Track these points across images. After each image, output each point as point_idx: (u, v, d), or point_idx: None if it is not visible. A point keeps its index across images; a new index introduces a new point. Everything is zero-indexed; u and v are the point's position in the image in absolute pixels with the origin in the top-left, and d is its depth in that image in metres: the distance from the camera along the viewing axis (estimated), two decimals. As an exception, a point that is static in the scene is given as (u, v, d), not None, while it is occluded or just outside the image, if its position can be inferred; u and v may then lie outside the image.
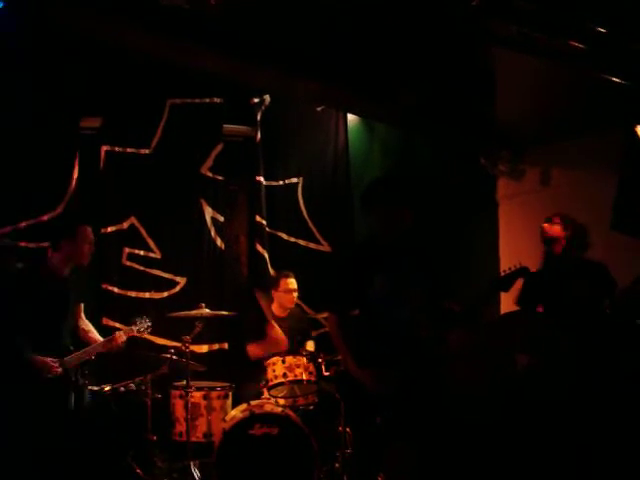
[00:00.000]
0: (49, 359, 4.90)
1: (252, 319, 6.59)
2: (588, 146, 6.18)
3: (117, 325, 6.66)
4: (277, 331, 6.35)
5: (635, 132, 5.14)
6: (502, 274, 4.41)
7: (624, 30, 4.51)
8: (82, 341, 5.33)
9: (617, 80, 4.89)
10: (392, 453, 4.24)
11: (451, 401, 4.84)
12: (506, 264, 4.50)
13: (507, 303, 6.72)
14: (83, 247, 5.11)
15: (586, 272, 5.11)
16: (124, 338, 5.35)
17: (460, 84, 5.79)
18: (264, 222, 7.32)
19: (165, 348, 6.33)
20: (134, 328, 5.51)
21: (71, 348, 5.11)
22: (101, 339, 5.37)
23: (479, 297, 4.31)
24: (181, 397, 5.95)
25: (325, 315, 6.56)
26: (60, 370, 4.94)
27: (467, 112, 6.38)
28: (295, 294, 6.62)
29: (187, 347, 5.82)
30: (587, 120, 5.95)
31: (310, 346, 6.60)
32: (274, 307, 6.63)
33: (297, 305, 6.82)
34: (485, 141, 7.03)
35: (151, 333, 6.68)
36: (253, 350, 6.40)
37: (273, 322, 6.39)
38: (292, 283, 6.60)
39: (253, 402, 5.76)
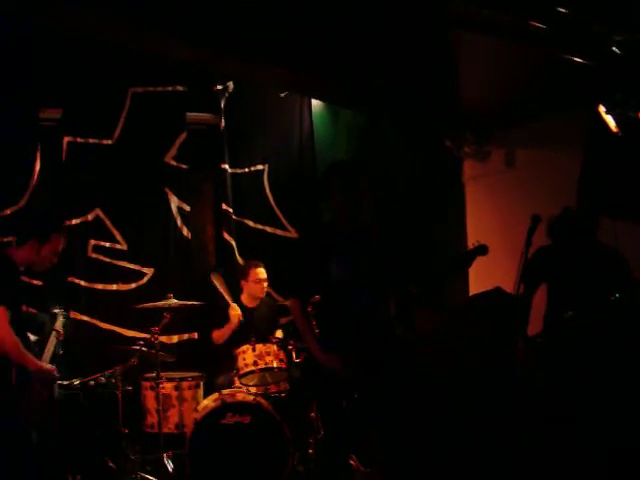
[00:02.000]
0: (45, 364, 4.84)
1: (215, 306, 6.57)
2: (552, 127, 6.21)
3: (85, 318, 6.61)
4: (234, 307, 6.34)
5: (598, 112, 5.16)
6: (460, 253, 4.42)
7: (585, 9, 4.52)
8: None
9: (579, 60, 4.91)
10: (361, 435, 4.27)
11: (421, 382, 4.86)
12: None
13: (475, 283, 6.79)
14: (51, 257, 4.97)
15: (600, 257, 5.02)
16: (62, 331, 5.39)
17: (423, 67, 5.78)
18: (230, 210, 7.28)
19: (134, 340, 6.28)
20: (61, 319, 5.53)
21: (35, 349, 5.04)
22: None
23: (438, 277, 4.32)
24: (152, 388, 5.91)
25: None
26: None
27: (431, 95, 6.38)
28: (265, 284, 6.59)
29: (156, 338, 5.78)
30: (551, 101, 5.98)
31: (279, 334, 6.59)
32: (243, 297, 6.60)
33: (267, 293, 6.79)
34: (450, 123, 7.04)
35: (120, 325, 6.71)
36: (217, 336, 6.38)
37: (232, 303, 6.36)
38: (262, 273, 6.56)
39: (224, 391, 5.76)
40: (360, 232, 4.18)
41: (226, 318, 6.35)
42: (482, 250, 4.27)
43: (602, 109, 5.12)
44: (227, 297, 6.42)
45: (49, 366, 4.81)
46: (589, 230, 4.94)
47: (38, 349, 4.99)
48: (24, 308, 5.75)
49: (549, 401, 4.71)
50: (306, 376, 4.88)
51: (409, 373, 4.23)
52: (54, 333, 5.27)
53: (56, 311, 5.61)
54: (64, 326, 5.50)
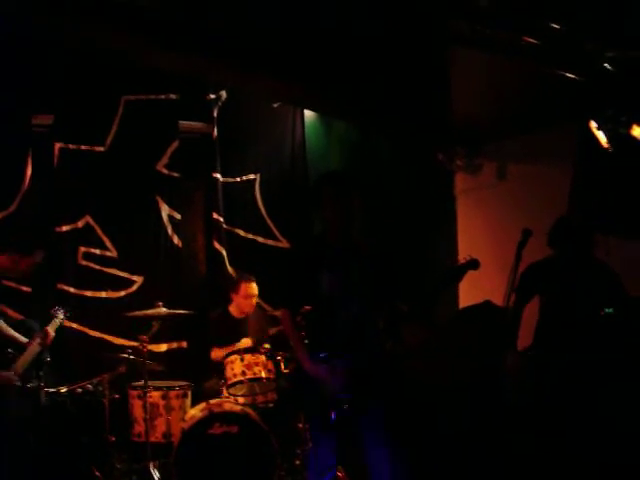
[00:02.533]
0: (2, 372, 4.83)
1: (214, 321, 6.55)
2: (543, 141, 6.23)
3: (74, 325, 6.58)
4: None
5: (589, 127, 5.18)
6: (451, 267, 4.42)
7: (577, 25, 4.54)
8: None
9: (571, 76, 4.93)
10: (349, 446, 4.26)
11: (409, 396, 4.86)
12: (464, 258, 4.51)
13: (465, 296, 6.79)
14: (28, 270, 4.98)
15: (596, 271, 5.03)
16: (53, 333, 5.37)
17: (415, 80, 5.80)
18: (221, 219, 7.28)
19: (123, 348, 6.26)
20: (57, 321, 5.49)
21: (10, 351, 5.03)
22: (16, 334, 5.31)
23: (430, 292, 4.33)
24: (139, 397, 5.88)
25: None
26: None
27: (423, 108, 6.39)
28: (255, 299, 6.57)
29: (144, 347, 5.76)
30: (542, 115, 6.00)
31: (267, 345, 6.57)
32: (232, 308, 6.58)
33: (257, 304, 6.77)
34: (442, 137, 7.06)
35: (109, 333, 6.68)
36: (215, 354, 6.35)
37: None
38: (253, 288, 6.53)
39: (212, 401, 5.73)
40: (350, 244, 4.18)
41: (225, 335, 6.33)
42: (473, 264, 4.29)
43: (593, 125, 5.14)
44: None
45: (4, 373, 4.81)
46: (588, 240, 4.96)
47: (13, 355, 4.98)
48: (11, 314, 5.77)
49: (539, 414, 4.72)
50: (294, 386, 4.87)
51: (397, 386, 4.24)
52: (38, 339, 5.24)
53: (57, 311, 5.57)
54: (58, 329, 5.48)
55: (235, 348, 6.15)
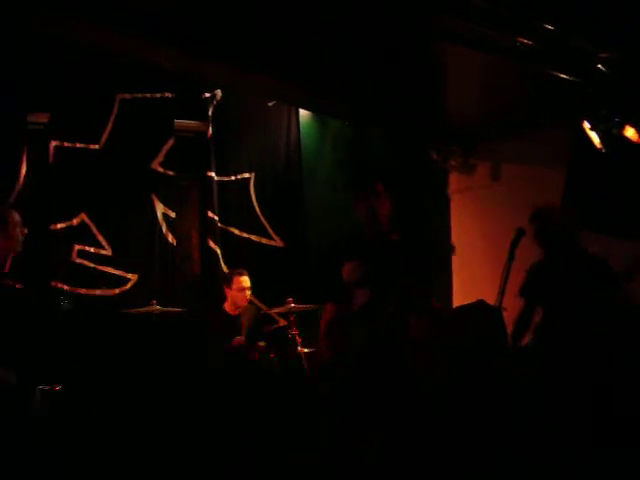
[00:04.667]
0: None
1: (212, 321, 6.59)
2: (537, 141, 6.27)
3: (67, 323, 6.59)
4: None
5: (582, 127, 5.21)
6: None
7: (572, 27, 4.57)
8: None
9: (565, 77, 4.96)
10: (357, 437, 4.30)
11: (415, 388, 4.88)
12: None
13: (459, 295, 6.81)
14: (15, 232, 4.98)
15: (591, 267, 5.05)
16: None
17: (410, 79, 5.82)
18: (216, 218, 7.28)
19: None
20: None
21: None
22: None
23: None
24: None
25: (278, 310, 6.60)
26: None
27: (418, 107, 6.42)
28: (248, 292, 6.60)
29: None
30: (536, 116, 6.04)
31: (261, 344, 6.59)
32: (226, 305, 6.61)
33: (250, 302, 6.79)
34: (436, 136, 7.09)
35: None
36: None
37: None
38: (245, 281, 6.57)
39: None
40: (383, 239, 4.27)
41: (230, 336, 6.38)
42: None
43: (586, 125, 5.17)
44: None
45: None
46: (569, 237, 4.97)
47: None
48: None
49: (538, 411, 4.73)
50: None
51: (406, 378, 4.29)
52: None
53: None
54: None
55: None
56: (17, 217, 5.05)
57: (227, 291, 6.60)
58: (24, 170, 6.58)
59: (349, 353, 4.14)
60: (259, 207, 7.52)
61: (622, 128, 5.08)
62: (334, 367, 4.16)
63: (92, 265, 6.83)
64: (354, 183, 4.38)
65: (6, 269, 4.97)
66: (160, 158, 7.07)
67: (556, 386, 4.71)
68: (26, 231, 5.01)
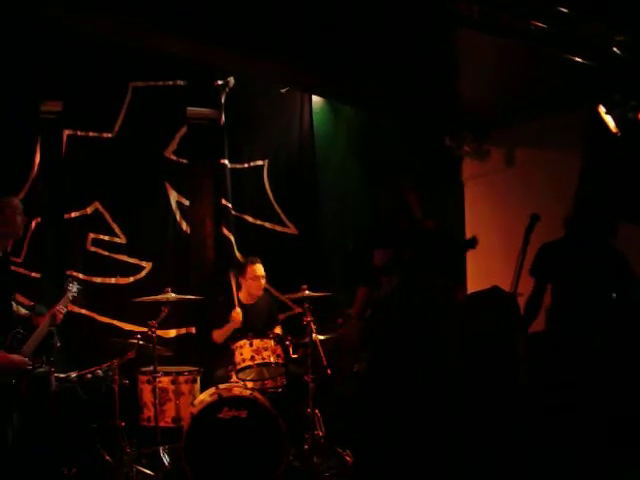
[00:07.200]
0: (15, 356, 4.84)
1: (219, 305, 6.58)
2: (552, 126, 6.22)
3: (83, 312, 6.62)
4: (237, 312, 6.36)
5: (598, 111, 5.17)
6: None
7: (586, 10, 4.53)
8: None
9: (580, 60, 4.92)
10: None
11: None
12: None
13: (473, 282, 6.79)
14: (15, 219, 5.00)
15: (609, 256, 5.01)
16: (64, 310, 5.32)
17: (423, 65, 5.79)
18: (230, 205, 7.28)
19: (132, 333, 6.29)
20: (69, 295, 5.44)
21: (20, 331, 5.02)
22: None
23: None
24: (149, 382, 5.91)
25: (294, 296, 6.59)
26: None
27: (431, 93, 6.39)
28: (263, 280, 6.61)
29: (154, 332, 5.77)
30: (550, 100, 5.99)
31: (278, 330, 6.61)
32: (242, 294, 6.61)
33: (265, 289, 6.80)
34: (450, 122, 7.05)
35: (118, 318, 6.72)
36: (217, 335, 6.41)
37: (237, 307, 6.39)
38: (259, 269, 6.57)
39: (221, 385, 5.76)
40: (418, 228, 4.33)
41: (226, 318, 6.37)
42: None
43: (602, 109, 5.14)
44: (235, 300, 6.44)
45: (17, 357, 4.82)
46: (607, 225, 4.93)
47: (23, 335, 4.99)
48: (20, 299, 5.78)
49: (551, 397, 4.73)
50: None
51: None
52: (48, 319, 5.20)
53: (70, 284, 5.52)
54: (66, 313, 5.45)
55: (230, 326, 6.29)
56: (16, 202, 5.09)
57: (242, 281, 6.62)
58: (38, 159, 6.62)
59: (380, 336, 4.21)
60: (272, 194, 7.52)
61: (638, 112, 5.04)
62: (365, 348, 4.26)
63: (106, 253, 6.86)
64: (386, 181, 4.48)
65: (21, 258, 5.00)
66: (173, 146, 7.08)
67: (572, 373, 4.70)
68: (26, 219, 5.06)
